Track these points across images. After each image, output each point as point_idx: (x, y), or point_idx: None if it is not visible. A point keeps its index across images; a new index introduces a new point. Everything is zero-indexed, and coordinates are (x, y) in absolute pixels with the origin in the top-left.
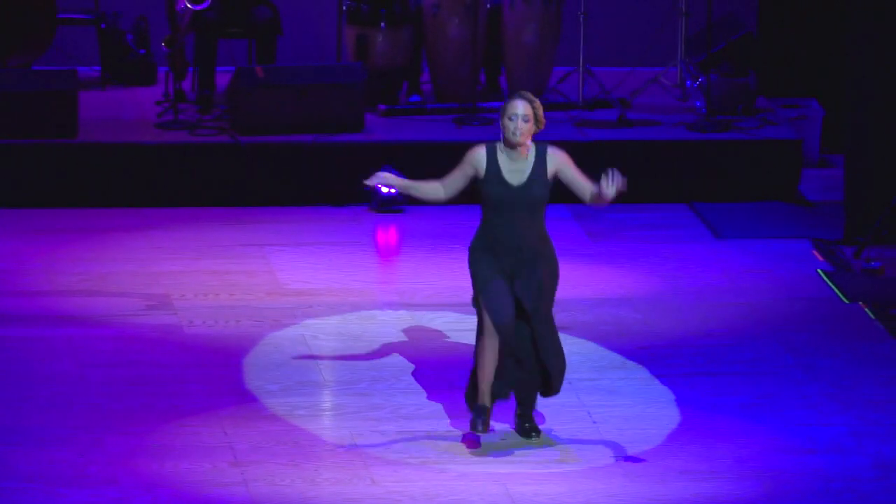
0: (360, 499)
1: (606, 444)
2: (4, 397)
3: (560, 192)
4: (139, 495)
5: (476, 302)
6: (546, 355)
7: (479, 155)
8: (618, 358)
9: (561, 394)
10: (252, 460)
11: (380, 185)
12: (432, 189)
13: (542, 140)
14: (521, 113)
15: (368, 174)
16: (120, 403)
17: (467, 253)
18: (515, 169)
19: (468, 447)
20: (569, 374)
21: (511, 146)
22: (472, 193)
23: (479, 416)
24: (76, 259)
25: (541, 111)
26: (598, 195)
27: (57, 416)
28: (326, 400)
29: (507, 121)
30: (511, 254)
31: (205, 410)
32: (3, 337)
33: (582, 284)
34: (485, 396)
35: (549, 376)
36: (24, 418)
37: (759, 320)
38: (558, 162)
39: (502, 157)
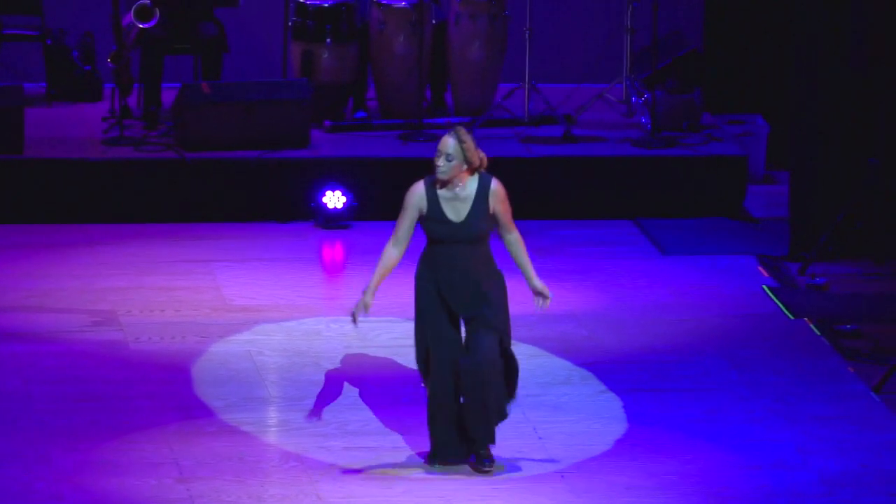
0: None
1: (552, 459)
2: None
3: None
4: None
5: (419, 343)
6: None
7: (418, 195)
8: (563, 374)
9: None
10: (198, 476)
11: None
12: (392, 262)
13: (489, 169)
14: (445, 151)
15: (314, 190)
16: (66, 420)
17: (414, 280)
18: (455, 204)
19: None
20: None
21: (438, 180)
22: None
23: (433, 461)
24: (21, 275)
25: (471, 151)
26: (533, 289)
27: (2, 432)
28: (272, 416)
29: (435, 158)
30: (454, 282)
31: (151, 426)
32: None
33: (527, 300)
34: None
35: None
36: None
37: (705, 336)
38: (497, 199)
39: (442, 192)
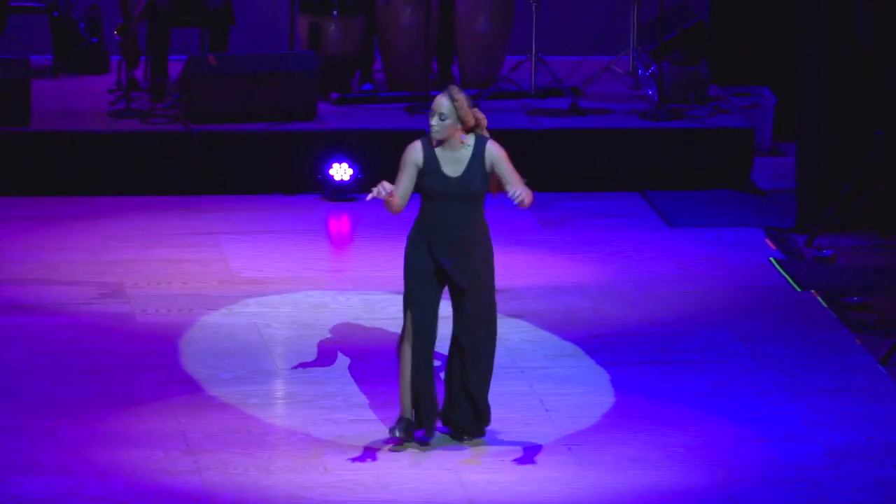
0: (313, 486)
1: (559, 431)
2: None
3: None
4: (92, 483)
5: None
6: (477, 351)
7: (415, 151)
8: (570, 346)
9: (513, 382)
10: (205, 449)
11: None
12: (395, 211)
13: (491, 129)
14: (438, 111)
15: (321, 162)
16: (72, 392)
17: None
18: (453, 160)
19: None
20: (521, 363)
21: (433, 139)
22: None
23: (398, 424)
24: (28, 248)
25: (464, 110)
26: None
27: (9, 405)
28: (279, 388)
29: (429, 117)
30: (445, 242)
31: (157, 399)
32: None
33: (534, 273)
34: (406, 409)
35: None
36: None
37: (711, 308)
38: (494, 156)
39: (438, 150)
